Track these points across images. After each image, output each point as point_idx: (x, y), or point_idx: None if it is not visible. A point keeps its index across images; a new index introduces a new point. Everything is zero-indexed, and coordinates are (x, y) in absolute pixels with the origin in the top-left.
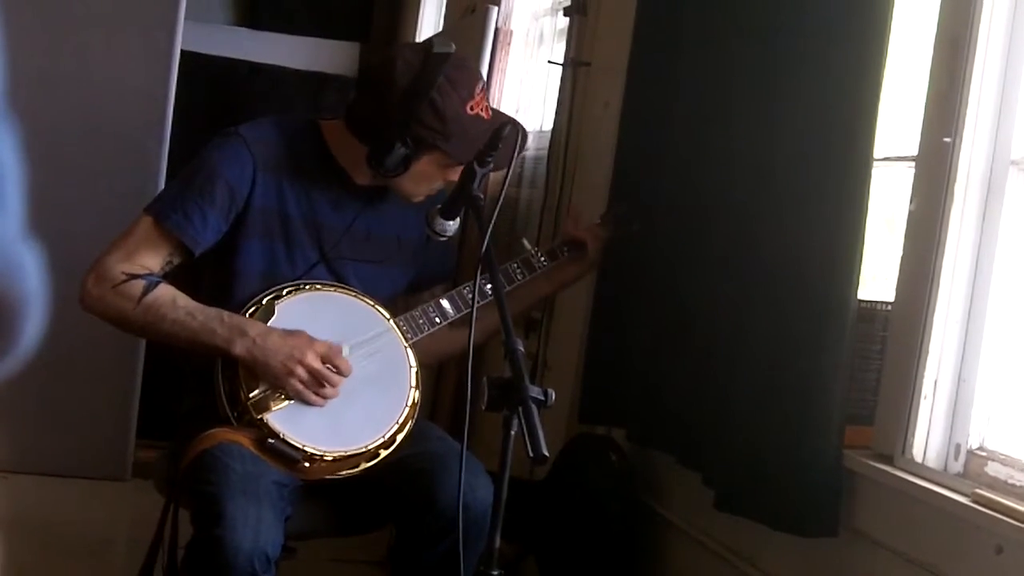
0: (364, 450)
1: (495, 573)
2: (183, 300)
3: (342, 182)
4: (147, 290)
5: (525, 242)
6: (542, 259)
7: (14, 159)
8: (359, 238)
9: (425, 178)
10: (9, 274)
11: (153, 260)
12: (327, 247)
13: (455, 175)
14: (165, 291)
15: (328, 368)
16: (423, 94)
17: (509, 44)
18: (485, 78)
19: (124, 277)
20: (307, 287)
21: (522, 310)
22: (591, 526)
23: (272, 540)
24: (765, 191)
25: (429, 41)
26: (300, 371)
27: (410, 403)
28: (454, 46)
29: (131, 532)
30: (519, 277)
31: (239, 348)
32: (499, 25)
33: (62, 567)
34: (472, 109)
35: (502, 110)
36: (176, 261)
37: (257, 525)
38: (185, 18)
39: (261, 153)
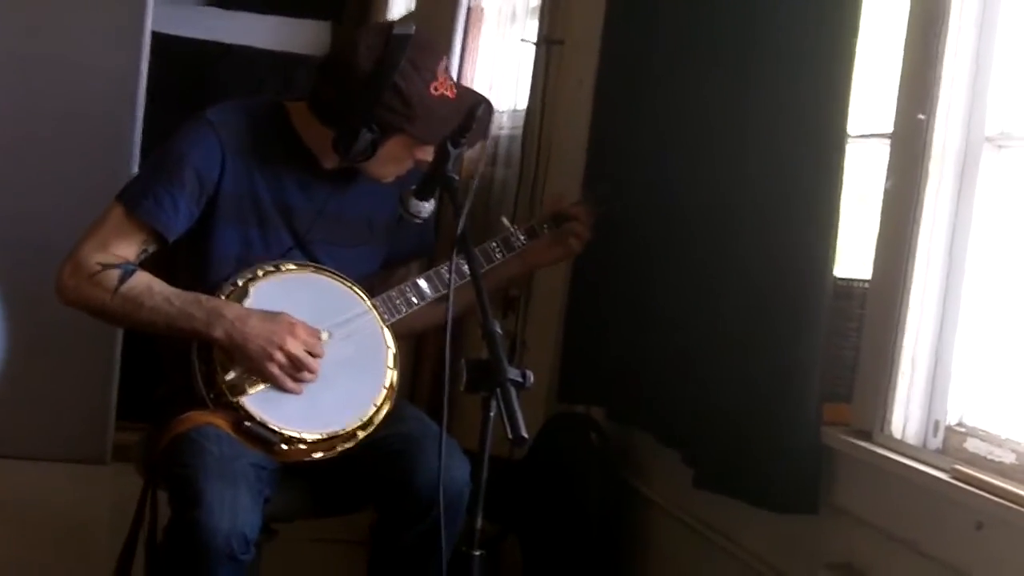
0: (342, 432)
1: (476, 553)
2: (159, 286)
3: (310, 165)
4: (123, 279)
5: (504, 220)
6: (521, 237)
7: None
8: (331, 221)
9: (393, 160)
10: None
11: (128, 249)
12: (300, 231)
13: (424, 154)
14: (141, 278)
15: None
16: (386, 79)
17: (481, 22)
18: (458, 56)
19: (99, 267)
20: (283, 268)
21: (494, 289)
22: (571, 504)
23: (249, 522)
24: (740, 168)
25: (389, 23)
26: (279, 356)
27: (388, 384)
28: (415, 26)
29: (111, 515)
30: (498, 256)
31: (218, 331)
32: (471, 3)
33: (42, 550)
34: (436, 90)
35: (470, 87)
36: (151, 248)
37: (234, 507)
38: None
39: (229, 137)
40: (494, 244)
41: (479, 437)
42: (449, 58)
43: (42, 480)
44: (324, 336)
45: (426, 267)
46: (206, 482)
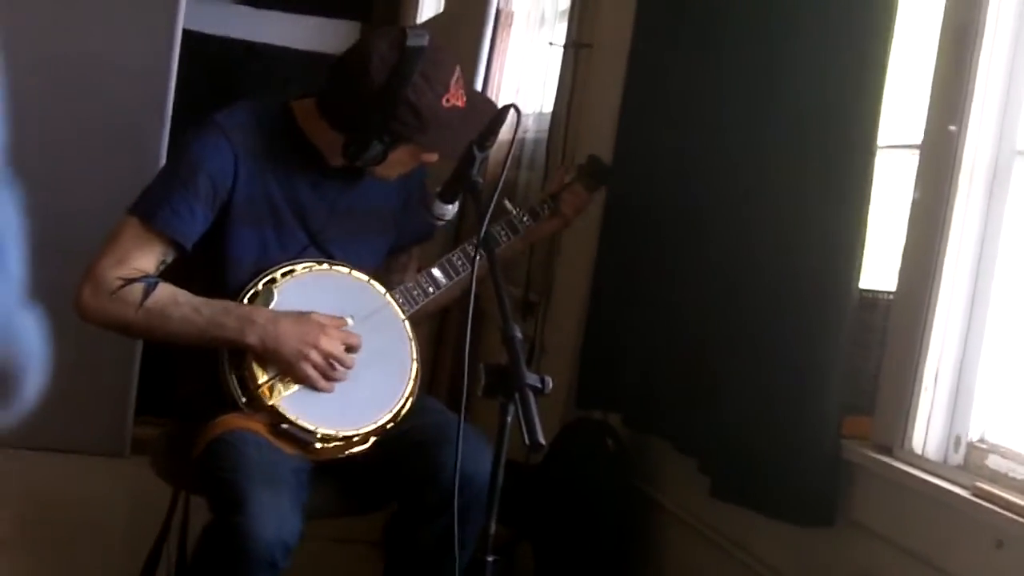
0: (374, 426)
1: (490, 558)
2: (184, 297)
3: (318, 163)
4: (147, 293)
5: (507, 203)
6: (524, 219)
7: (15, 219)
8: (344, 217)
9: (400, 163)
10: (8, 343)
11: (146, 261)
12: (314, 229)
13: (431, 158)
14: (165, 291)
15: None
16: (398, 93)
17: (510, 25)
18: (486, 58)
19: (120, 283)
20: (300, 268)
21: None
22: (586, 511)
23: (292, 529)
24: (766, 177)
25: (403, 31)
26: (314, 355)
27: (413, 375)
28: (428, 37)
29: (130, 508)
30: (504, 239)
31: (251, 337)
32: (500, 6)
33: (60, 542)
34: (448, 102)
35: (482, 93)
36: (169, 259)
37: (278, 514)
38: None
39: (240, 140)
40: (500, 227)
41: (495, 442)
42: (476, 62)
43: (61, 472)
44: (349, 322)
45: (429, 252)
46: (250, 487)
